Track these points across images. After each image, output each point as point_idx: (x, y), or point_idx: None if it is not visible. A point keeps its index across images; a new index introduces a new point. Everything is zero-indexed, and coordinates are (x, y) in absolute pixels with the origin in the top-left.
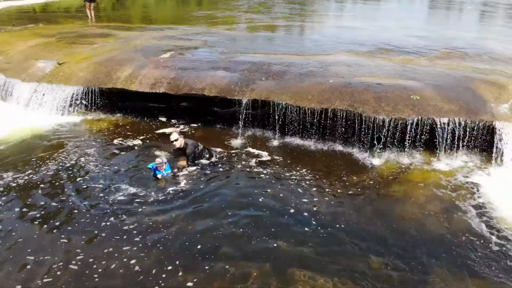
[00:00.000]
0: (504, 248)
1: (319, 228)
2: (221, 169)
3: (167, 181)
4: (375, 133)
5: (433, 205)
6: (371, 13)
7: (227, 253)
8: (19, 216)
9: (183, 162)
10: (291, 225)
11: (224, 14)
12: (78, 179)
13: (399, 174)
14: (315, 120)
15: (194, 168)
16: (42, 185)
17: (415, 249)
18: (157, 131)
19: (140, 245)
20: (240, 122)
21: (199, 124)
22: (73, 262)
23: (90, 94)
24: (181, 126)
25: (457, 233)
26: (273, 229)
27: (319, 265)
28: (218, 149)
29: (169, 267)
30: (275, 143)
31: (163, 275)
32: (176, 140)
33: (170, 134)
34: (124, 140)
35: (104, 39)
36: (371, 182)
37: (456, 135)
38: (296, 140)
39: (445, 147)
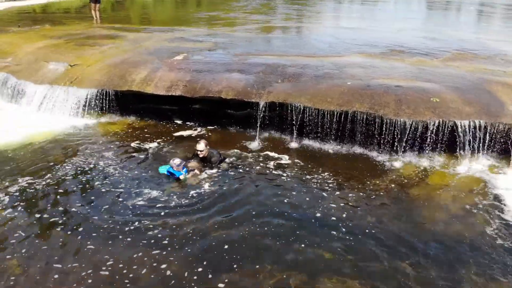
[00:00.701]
0: None
1: (346, 232)
2: (241, 171)
3: (187, 184)
4: (396, 136)
5: (456, 208)
6: (375, 14)
7: (256, 257)
8: (41, 223)
9: (196, 164)
10: (318, 230)
11: (228, 16)
12: (97, 183)
13: (420, 177)
14: (334, 123)
15: (214, 171)
16: (60, 190)
17: (442, 251)
18: (175, 134)
19: (169, 248)
20: (257, 125)
21: (215, 126)
22: (103, 268)
23: (104, 97)
24: (198, 129)
25: (481, 235)
26: (299, 233)
27: (350, 270)
28: (236, 151)
29: (199, 269)
30: (293, 145)
31: (195, 277)
32: (202, 150)
33: (197, 142)
34: (141, 143)
35: (113, 40)
36: (393, 185)
37: (477, 138)
38: (314, 143)
39: (465, 150)
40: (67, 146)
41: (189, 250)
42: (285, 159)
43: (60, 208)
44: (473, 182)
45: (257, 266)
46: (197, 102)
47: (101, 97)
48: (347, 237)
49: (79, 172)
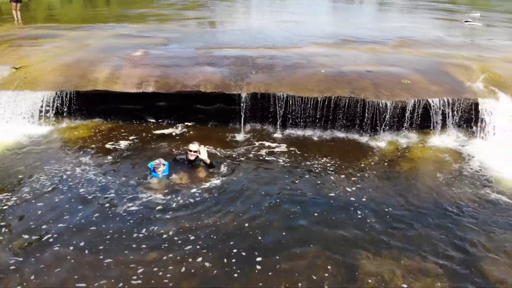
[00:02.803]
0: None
1: (351, 210)
2: (235, 165)
3: (185, 183)
4: (377, 117)
5: (439, 175)
6: (302, 8)
7: (275, 242)
8: (37, 244)
9: (202, 174)
10: (323, 211)
11: (161, 12)
12: (82, 191)
13: (402, 153)
14: (318, 110)
15: (210, 170)
16: (40, 204)
17: (439, 214)
18: (152, 133)
19: (187, 250)
20: (241, 118)
21: (193, 123)
22: (134, 277)
23: (64, 99)
24: (179, 127)
25: (463, 194)
26: (304, 216)
27: (363, 242)
28: (224, 145)
29: (227, 269)
30: (278, 135)
31: (221, 273)
32: (196, 151)
33: (192, 143)
34: (116, 145)
35: (52, 40)
36: (379, 162)
37: (447, 113)
38: (298, 131)
39: (437, 126)
40: (30, 156)
41: (209, 249)
42: (274, 149)
43: (48, 225)
44: (447, 152)
45: (280, 253)
46: (167, 98)
47: (61, 99)
48: (353, 215)
49: (56, 182)
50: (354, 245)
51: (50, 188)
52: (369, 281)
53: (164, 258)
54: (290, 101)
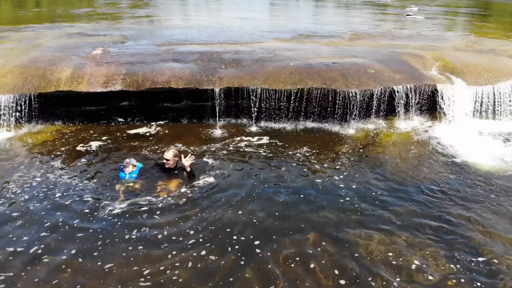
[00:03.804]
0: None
1: (337, 194)
2: (214, 161)
3: (182, 182)
4: (347, 106)
5: (410, 156)
6: (245, 6)
7: (272, 230)
8: (25, 257)
9: (175, 183)
10: (310, 196)
11: (107, 11)
12: (57, 197)
13: (372, 138)
14: (291, 102)
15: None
16: (16, 214)
17: (417, 191)
18: (128, 132)
19: (187, 247)
20: (216, 113)
21: (166, 121)
22: (141, 279)
23: (24, 102)
24: (154, 126)
25: (435, 170)
26: (295, 203)
27: (355, 223)
28: (199, 142)
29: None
30: (253, 128)
31: (221, 264)
32: (169, 160)
33: (167, 150)
34: (86, 147)
35: None
36: (352, 148)
37: (410, 99)
38: (272, 124)
39: (401, 111)
40: None
41: (207, 244)
42: (252, 142)
43: (30, 236)
44: (414, 135)
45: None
46: (135, 97)
47: (20, 103)
48: (336, 196)
49: (28, 190)
50: (346, 225)
51: (25, 197)
52: (364, 256)
53: (169, 256)
54: (264, 94)
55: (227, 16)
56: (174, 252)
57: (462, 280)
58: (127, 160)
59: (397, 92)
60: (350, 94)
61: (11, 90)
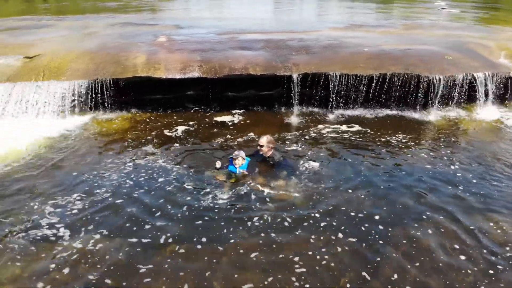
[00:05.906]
0: None
1: (448, 183)
2: (309, 152)
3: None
4: (432, 92)
5: (499, 143)
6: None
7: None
8: (152, 245)
9: (261, 180)
10: (417, 184)
11: (140, 4)
12: (159, 183)
13: (456, 125)
14: (371, 87)
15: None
16: (120, 201)
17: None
18: (209, 120)
19: (320, 231)
20: (295, 100)
21: (242, 110)
22: (301, 263)
23: (99, 88)
24: (236, 115)
25: None
26: (405, 189)
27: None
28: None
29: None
30: (332, 116)
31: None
32: (262, 146)
33: (261, 136)
34: (172, 134)
35: (46, 29)
36: (437, 134)
37: (489, 87)
38: (351, 111)
39: (481, 99)
40: (80, 152)
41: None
42: (334, 129)
43: (151, 223)
44: (498, 123)
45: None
46: (212, 84)
47: (95, 88)
48: (431, 180)
49: (123, 176)
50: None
51: (130, 183)
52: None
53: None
54: (344, 79)
55: (263, 10)
56: (313, 236)
57: None
58: (236, 152)
59: (478, 78)
60: (434, 80)
61: (83, 76)
